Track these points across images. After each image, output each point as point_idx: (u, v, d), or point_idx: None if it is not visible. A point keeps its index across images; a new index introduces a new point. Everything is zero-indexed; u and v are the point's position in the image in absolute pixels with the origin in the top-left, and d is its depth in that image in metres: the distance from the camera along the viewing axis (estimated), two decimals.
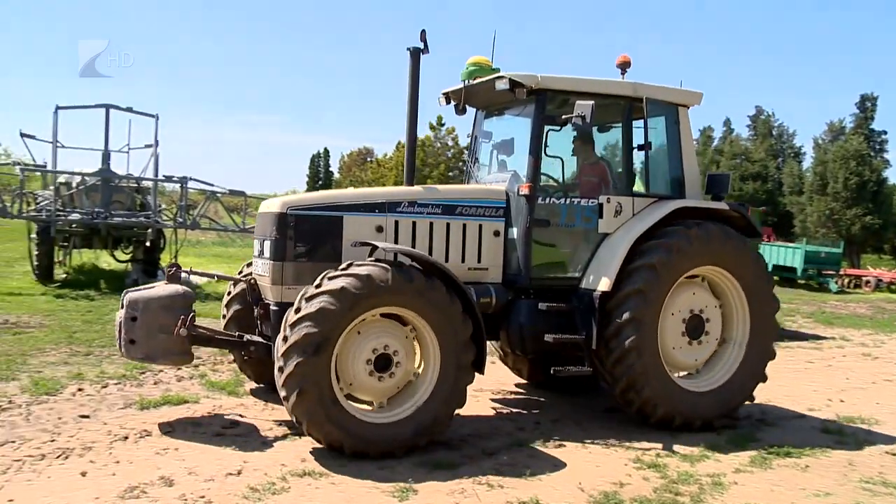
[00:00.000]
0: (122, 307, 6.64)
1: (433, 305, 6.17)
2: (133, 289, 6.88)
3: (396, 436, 6.10)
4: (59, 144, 18.48)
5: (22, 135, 18.65)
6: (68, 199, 17.94)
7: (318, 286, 5.92)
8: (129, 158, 20.31)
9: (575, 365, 7.20)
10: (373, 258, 6.30)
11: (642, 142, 7.48)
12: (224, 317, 7.85)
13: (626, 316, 6.84)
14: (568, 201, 7.36)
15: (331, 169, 77.11)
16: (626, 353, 6.86)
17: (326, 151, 78.55)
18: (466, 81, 7.66)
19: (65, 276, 18.49)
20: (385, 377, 6.18)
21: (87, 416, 6.90)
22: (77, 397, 7.58)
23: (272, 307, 6.65)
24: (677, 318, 7.29)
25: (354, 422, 6.00)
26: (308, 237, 6.66)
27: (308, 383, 5.74)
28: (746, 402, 7.70)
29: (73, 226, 17.29)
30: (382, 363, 6.16)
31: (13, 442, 6.08)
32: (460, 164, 39.49)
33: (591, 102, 6.70)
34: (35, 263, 17.36)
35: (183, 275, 7.18)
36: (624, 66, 7.71)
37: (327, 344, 5.82)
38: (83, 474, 5.44)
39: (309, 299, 5.86)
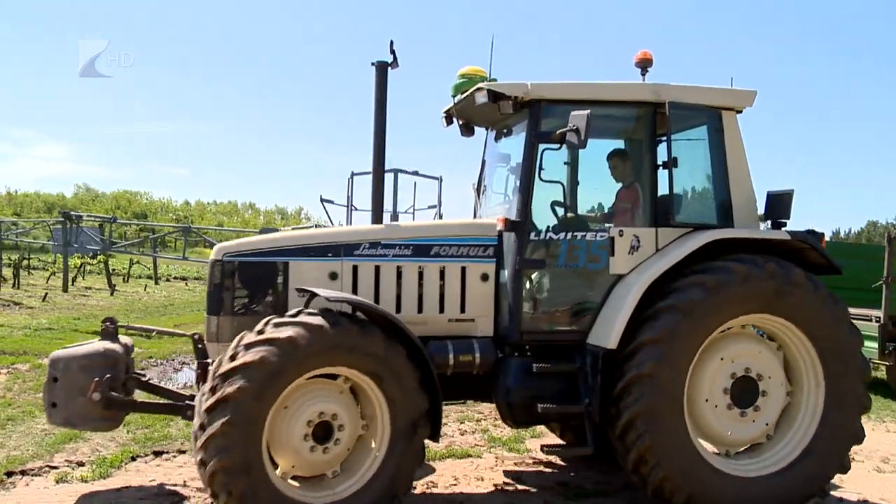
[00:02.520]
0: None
1: (391, 371, 5.16)
2: (62, 347, 6.23)
3: None
4: (353, 208, 20.23)
5: (322, 200, 20.71)
6: None
7: (260, 332, 4.99)
8: (414, 219, 21.73)
9: (576, 444, 5.81)
10: (312, 308, 5.25)
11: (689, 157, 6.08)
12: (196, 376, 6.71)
13: (636, 407, 5.42)
14: (570, 236, 5.99)
15: None
16: (641, 460, 5.51)
17: None
18: (456, 97, 6.59)
19: None
20: (328, 447, 5.16)
21: None
22: None
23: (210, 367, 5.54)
24: (717, 387, 5.81)
25: (285, 501, 4.99)
26: (247, 287, 5.82)
27: (234, 449, 4.72)
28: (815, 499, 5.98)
29: None
30: (322, 432, 5.16)
31: None
32: None
33: (587, 112, 5.36)
34: None
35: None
36: (644, 64, 6.22)
37: (264, 403, 4.84)
38: None
39: (248, 346, 4.91)
